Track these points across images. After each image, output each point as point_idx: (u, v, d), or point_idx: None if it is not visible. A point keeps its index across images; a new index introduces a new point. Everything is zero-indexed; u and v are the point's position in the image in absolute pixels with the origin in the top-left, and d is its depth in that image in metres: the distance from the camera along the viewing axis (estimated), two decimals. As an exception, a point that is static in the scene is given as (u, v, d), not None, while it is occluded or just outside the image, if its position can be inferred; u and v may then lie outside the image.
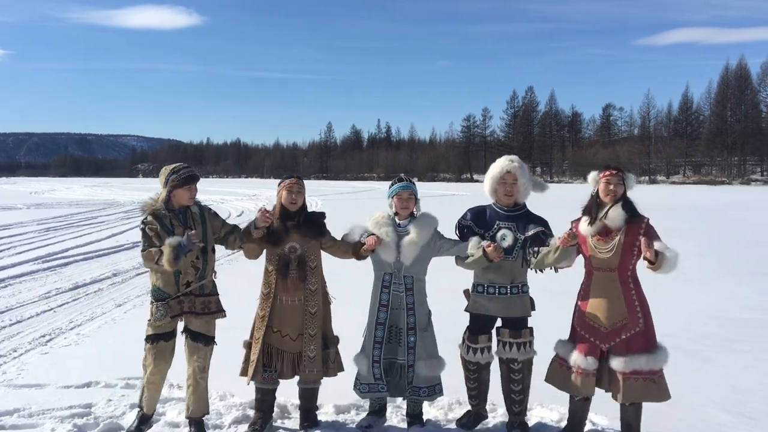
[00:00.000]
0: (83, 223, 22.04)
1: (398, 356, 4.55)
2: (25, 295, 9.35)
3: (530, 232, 4.42)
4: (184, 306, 4.46)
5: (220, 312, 4.60)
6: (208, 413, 4.62)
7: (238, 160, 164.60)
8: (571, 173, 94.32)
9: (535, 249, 4.38)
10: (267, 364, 4.53)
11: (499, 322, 4.55)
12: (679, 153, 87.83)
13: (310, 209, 4.76)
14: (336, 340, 4.74)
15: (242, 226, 4.77)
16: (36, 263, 12.23)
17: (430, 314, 4.64)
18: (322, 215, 4.74)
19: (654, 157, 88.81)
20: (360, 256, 4.60)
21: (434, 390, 4.58)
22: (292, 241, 4.53)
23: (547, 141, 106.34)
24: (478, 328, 4.54)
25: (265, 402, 4.62)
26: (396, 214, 4.61)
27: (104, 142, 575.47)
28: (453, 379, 4.76)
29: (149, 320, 4.45)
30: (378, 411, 4.70)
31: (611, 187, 4.23)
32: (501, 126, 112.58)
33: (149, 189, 4.62)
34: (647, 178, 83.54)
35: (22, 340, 6.92)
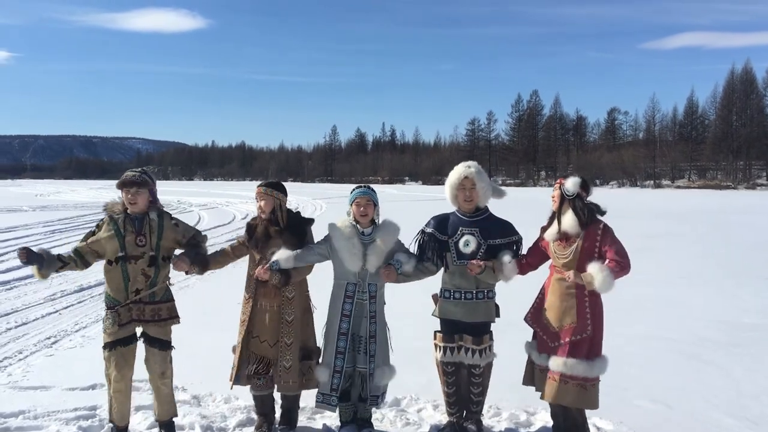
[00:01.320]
0: (89, 225, 22.04)
1: (359, 364, 4.53)
2: (31, 297, 9.40)
3: (496, 242, 4.48)
4: (134, 314, 4.44)
5: (172, 319, 4.56)
6: (176, 415, 4.63)
7: (243, 162, 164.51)
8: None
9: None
10: (259, 372, 4.54)
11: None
12: (684, 157, 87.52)
13: (307, 213, 4.76)
14: (318, 351, 4.67)
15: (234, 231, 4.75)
16: (41, 265, 12.24)
17: (386, 322, 4.65)
18: (308, 221, 4.72)
19: (659, 161, 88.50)
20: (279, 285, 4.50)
21: (383, 398, 4.64)
22: (275, 246, 4.50)
23: (552, 145, 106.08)
24: (448, 329, 4.57)
25: (265, 405, 4.65)
26: (356, 221, 4.57)
27: (109, 144, 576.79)
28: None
29: (102, 328, 4.46)
30: (352, 421, 4.66)
31: (554, 194, 4.41)
32: (506, 130, 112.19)
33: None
34: (652, 182, 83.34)
35: (27, 342, 6.96)
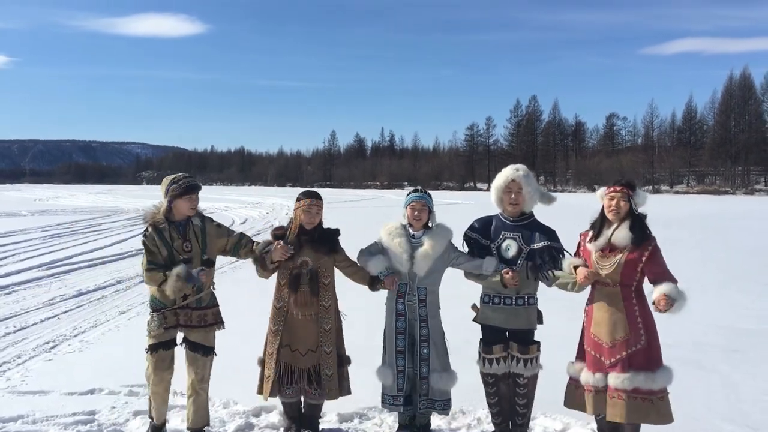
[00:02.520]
0: (87, 230, 22.10)
1: (413, 366, 4.54)
2: (30, 301, 9.39)
3: (537, 245, 4.37)
4: (180, 319, 4.47)
5: (218, 324, 4.61)
6: (209, 424, 4.63)
7: (242, 167, 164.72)
8: (574, 182, 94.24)
9: (551, 271, 4.34)
10: (287, 382, 4.53)
11: (507, 334, 4.51)
12: (682, 163, 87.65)
13: (338, 227, 4.76)
14: (348, 360, 4.72)
15: (249, 232, 4.77)
16: (40, 270, 12.28)
17: (442, 326, 4.61)
18: (336, 232, 4.73)
19: (658, 166, 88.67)
20: (374, 289, 4.61)
21: (447, 404, 4.57)
22: (305, 255, 4.52)
23: (551, 150, 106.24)
24: (489, 338, 4.49)
25: (293, 410, 4.66)
26: (410, 225, 4.60)
27: (108, 149, 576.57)
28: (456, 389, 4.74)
29: (147, 330, 4.47)
30: (409, 424, 4.64)
31: (613, 203, 4.14)
32: (504, 135, 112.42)
33: (153, 196, 4.60)
34: (651, 187, 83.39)
35: (26, 346, 6.95)
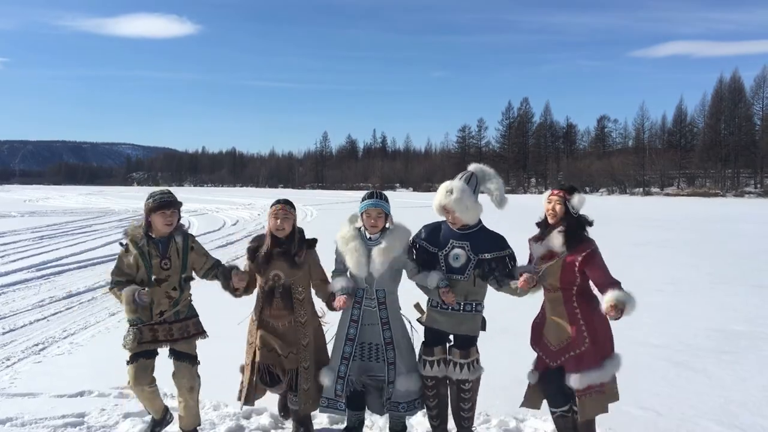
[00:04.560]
0: (77, 231, 22.00)
1: (377, 373, 4.49)
2: (19, 303, 9.34)
3: (486, 255, 4.37)
4: (159, 335, 4.44)
5: (200, 334, 4.60)
6: (200, 424, 4.65)
7: (234, 169, 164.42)
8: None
9: (499, 277, 4.36)
10: (269, 382, 4.50)
11: (452, 340, 4.53)
12: (673, 165, 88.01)
13: (298, 220, 4.70)
14: None
15: (240, 234, 4.75)
16: (30, 271, 12.22)
17: (405, 327, 4.58)
18: (312, 243, 4.65)
19: (648, 168, 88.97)
20: (330, 308, 4.56)
21: (414, 404, 4.52)
22: (276, 269, 4.47)
23: (542, 152, 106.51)
24: (431, 340, 4.51)
25: (283, 401, 4.69)
26: (366, 229, 4.53)
27: (99, 150, 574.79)
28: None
29: (122, 343, 4.46)
30: (357, 428, 4.66)
31: (550, 206, 4.24)
32: (496, 137, 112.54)
33: (143, 197, 4.59)
34: (641, 189, 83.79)
35: (15, 348, 6.91)
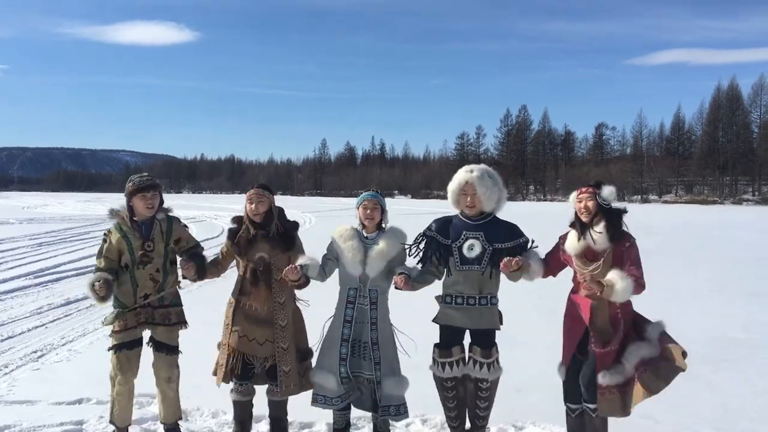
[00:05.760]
0: (76, 238, 21.96)
1: (364, 371, 4.47)
2: (17, 310, 9.33)
3: (502, 245, 4.33)
4: (141, 317, 4.47)
5: (181, 323, 4.61)
6: (181, 418, 4.66)
7: (232, 175, 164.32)
8: (564, 192, 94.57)
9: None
10: (241, 375, 4.50)
11: (468, 338, 4.48)
12: (671, 172, 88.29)
13: (303, 229, 4.74)
14: (310, 353, 4.68)
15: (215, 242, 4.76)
16: (28, 278, 12.21)
17: (392, 331, 4.55)
18: (294, 226, 4.69)
19: (646, 176, 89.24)
20: (298, 286, 4.50)
21: (399, 410, 4.48)
22: (261, 250, 4.49)
23: (541, 159, 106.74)
24: (448, 340, 4.45)
25: (244, 412, 4.62)
26: (363, 227, 4.57)
27: (98, 157, 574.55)
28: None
29: (111, 330, 4.48)
30: (344, 429, 4.64)
31: (581, 204, 4.16)
32: (494, 144, 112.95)
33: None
34: (639, 197, 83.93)
35: (13, 355, 6.90)
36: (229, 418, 5.00)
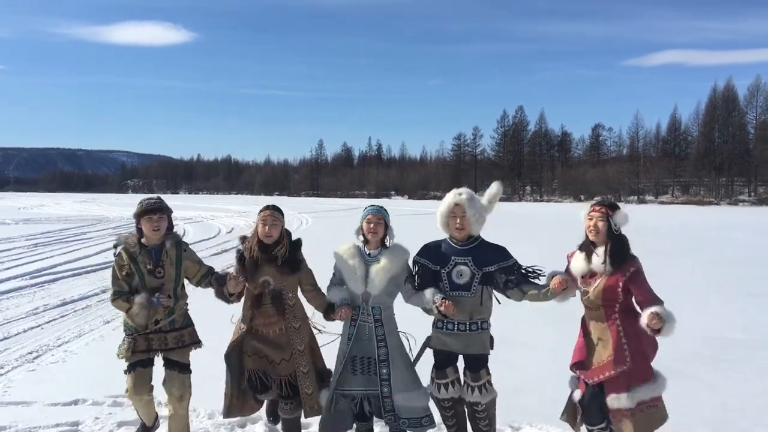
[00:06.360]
0: (72, 238, 21.92)
1: (368, 387, 4.43)
2: (13, 311, 9.29)
3: (490, 268, 4.34)
4: (154, 344, 4.43)
5: (195, 344, 4.59)
6: None
7: (229, 176, 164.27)
8: (560, 192, 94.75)
9: (518, 283, 4.31)
10: (260, 389, 4.48)
11: (461, 362, 4.49)
12: (667, 173, 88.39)
13: (292, 227, 4.70)
14: (329, 373, 4.63)
15: (234, 242, 4.73)
16: (24, 279, 12.17)
17: (402, 343, 4.52)
18: (297, 245, 4.62)
19: (643, 177, 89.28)
20: (329, 318, 4.54)
21: (420, 422, 4.43)
22: (266, 275, 4.44)
23: (537, 160, 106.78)
24: (442, 362, 4.48)
25: (293, 429, 4.63)
26: (366, 242, 4.54)
27: (94, 157, 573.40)
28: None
29: (117, 352, 4.47)
30: None
31: (592, 223, 4.12)
32: (491, 145, 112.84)
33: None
34: (636, 197, 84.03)
35: (9, 356, 6.87)
36: (226, 420, 4.98)
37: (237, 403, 4.57)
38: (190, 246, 4.71)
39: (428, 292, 4.36)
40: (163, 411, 4.79)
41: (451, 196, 4.48)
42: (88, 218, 36.95)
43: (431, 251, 4.53)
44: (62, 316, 8.98)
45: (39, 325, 8.39)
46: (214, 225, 30.26)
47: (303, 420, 4.87)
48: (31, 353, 7.01)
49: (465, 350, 4.40)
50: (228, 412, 4.58)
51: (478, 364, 4.42)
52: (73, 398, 5.51)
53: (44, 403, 5.42)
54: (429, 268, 4.48)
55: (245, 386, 4.51)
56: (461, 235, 4.45)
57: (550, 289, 4.17)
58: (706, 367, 6.64)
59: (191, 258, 4.60)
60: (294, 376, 4.49)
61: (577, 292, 4.26)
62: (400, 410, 4.41)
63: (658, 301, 4.02)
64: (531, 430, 4.90)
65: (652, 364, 4.21)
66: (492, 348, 4.49)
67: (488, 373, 4.44)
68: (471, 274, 4.36)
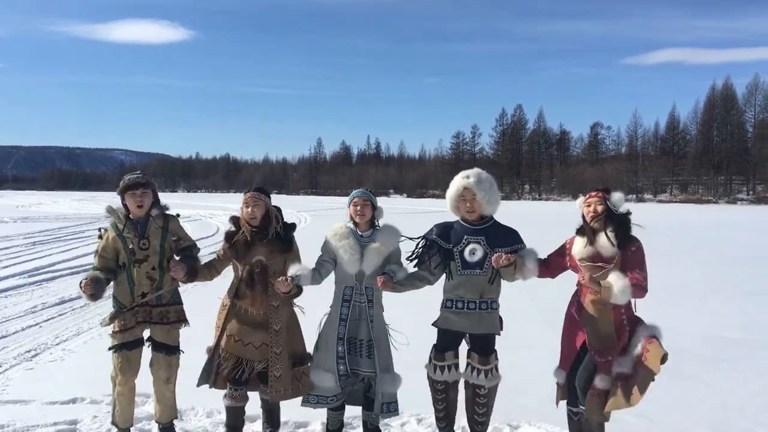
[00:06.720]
0: (70, 237, 21.89)
1: (361, 367, 4.46)
2: (11, 309, 9.27)
3: (503, 250, 4.30)
4: (139, 316, 4.43)
5: (180, 322, 4.57)
6: (176, 417, 4.65)
7: (227, 174, 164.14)
8: (559, 191, 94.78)
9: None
10: (236, 380, 4.47)
11: (467, 345, 4.48)
12: (666, 172, 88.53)
13: (299, 228, 4.71)
14: (308, 357, 4.61)
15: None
16: (22, 277, 12.15)
17: (386, 328, 4.58)
18: (291, 228, 4.65)
19: (641, 175, 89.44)
20: (290, 297, 4.47)
21: (389, 408, 4.48)
22: (259, 254, 4.43)
23: (536, 159, 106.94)
24: (444, 344, 4.46)
25: (237, 419, 4.59)
26: (356, 225, 4.56)
27: (92, 155, 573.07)
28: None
29: (111, 330, 4.45)
30: (338, 430, 4.63)
31: (590, 208, 4.17)
32: (490, 143, 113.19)
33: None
34: (634, 196, 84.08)
35: (7, 355, 6.86)
36: (224, 417, 4.97)
37: (220, 377, 4.50)
38: (177, 218, 4.72)
39: (400, 271, 4.43)
40: (149, 409, 4.78)
41: (459, 180, 4.44)
42: (86, 216, 36.89)
43: (443, 230, 4.51)
44: (60, 315, 8.96)
45: (37, 324, 8.38)
46: (213, 223, 30.21)
47: (302, 419, 4.88)
48: (29, 352, 7.00)
49: (473, 329, 4.37)
50: (206, 380, 4.53)
51: (487, 346, 4.40)
52: (71, 397, 5.49)
53: (42, 401, 5.41)
54: (441, 245, 4.45)
55: (225, 371, 4.46)
56: (473, 217, 4.44)
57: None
58: (704, 365, 6.64)
59: (179, 230, 4.64)
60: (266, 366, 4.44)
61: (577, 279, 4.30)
62: (379, 394, 4.43)
63: (633, 276, 3.98)
64: (530, 429, 4.90)
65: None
66: (502, 329, 4.47)
67: (497, 358, 4.43)
68: (484, 253, 4.34)
